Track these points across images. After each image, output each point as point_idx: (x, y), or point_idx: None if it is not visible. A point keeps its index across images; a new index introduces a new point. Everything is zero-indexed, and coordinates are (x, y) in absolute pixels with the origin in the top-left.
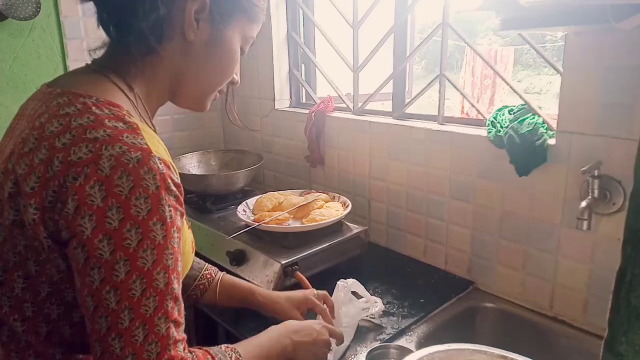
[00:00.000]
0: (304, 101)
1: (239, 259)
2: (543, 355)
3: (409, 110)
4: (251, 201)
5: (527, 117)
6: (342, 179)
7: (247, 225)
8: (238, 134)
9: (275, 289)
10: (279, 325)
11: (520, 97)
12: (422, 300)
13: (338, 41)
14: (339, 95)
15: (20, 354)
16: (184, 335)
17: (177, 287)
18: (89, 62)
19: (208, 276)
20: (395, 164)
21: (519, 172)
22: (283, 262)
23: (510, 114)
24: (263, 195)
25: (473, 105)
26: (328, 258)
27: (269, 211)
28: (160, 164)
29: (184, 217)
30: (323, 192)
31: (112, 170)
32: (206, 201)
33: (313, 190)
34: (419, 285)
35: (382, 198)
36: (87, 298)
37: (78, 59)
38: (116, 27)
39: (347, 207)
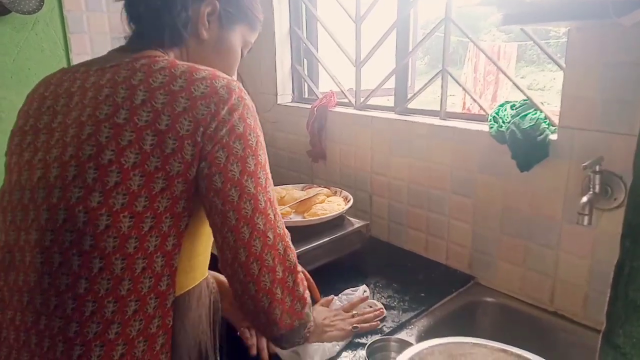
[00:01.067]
0: (306, 96)
1: None
2: (543, 350)
3: (412, 105)
4: None
5: (529, 113)
6: (344, 173)
7: None
8: None
9: None
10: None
11: (523, 92)
12: (422, 295)
13: (340, 36)
14: (341, 90)
15: (114, 292)
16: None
17: (278, 212)
18: (92, 56)
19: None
20: (397, 159)
21: (520, 168)
22: None
23: (512, 110)
24: None
25: (475, 100)
26: (329, 252)
27: None
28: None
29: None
30: (325, 187)
31: (237, 110)
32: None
33: (315, 185)
34: (420, 280)
35: (384, 193)
36: (243, 228)
37: (81, 52)
38: (151, 23)
39: (348, 201)
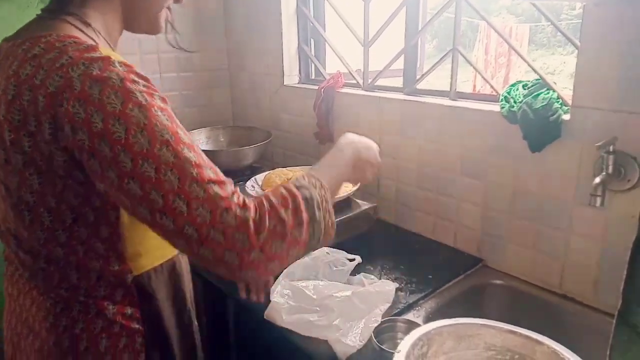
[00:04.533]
0: (313, 77)
1: None
2: (552, 333)
3: (420, 86)
4: (260, 177)
5: (542, 92)
6: None
7: None
8: (247, 111)
9: None
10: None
11: (535, 71)
12: (430, 277)
13: (348, 15)
14: (349, 71)
15: (63, 272)
16: (236, 189)
17: (194, 154)
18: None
19: None
20: (406, 140)
21: (532, 148)
22: None
23: (524, 89)
24: (272, 171)
25: (486, 81)
26: (336, 234)
27: None
28: (120, 65)
29: (167, 102)
30: None
31: (82, 84)
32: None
33: None
34: (428, 262)
35: (392, 175)
36: (122, 198)
37: None
38: None
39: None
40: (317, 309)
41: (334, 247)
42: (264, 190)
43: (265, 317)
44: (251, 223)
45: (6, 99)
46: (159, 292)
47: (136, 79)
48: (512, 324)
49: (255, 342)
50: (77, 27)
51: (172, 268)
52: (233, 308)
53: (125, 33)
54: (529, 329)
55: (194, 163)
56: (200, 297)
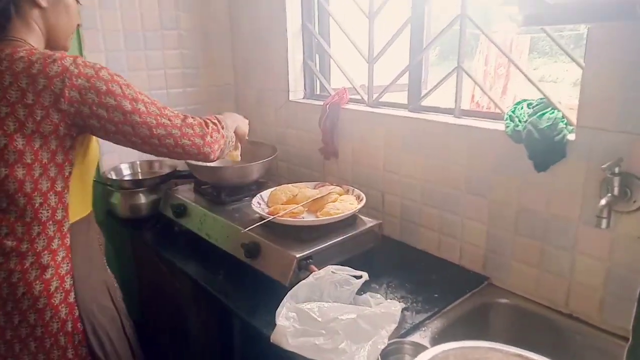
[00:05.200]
0: (318, 92)
1: (253, 251)
2: (557, 353)
3: (425, 102)
4: (265, 193)
5: (547, 112)
6: (356, 171)
7: (261, 218)
8: (251, 126)
9: (290, 282)
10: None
11: (540, 91)
12: (436, 295)
13: (353, 31)
14: (354, 87)
15: (12, 226)
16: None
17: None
18: (105, 54)
19: None
20: (410, 157)
21: (537, 168)
22: (298, 255)
23: (529, 108)
24: (277, 188)
25: (491, 100)
26: (342, 251)
27: (283, 204)
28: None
29: None
30: (337, 185)
31: (77, 68)
32: (220, 193)
33: (327, 183)
34: (433, 280)
35: (396, 191)
36: (125, 129)
37: (94, 49)
38: None
39: (361, 200)
40: (323, 331)
41: (339, 265)
42: (269, 206)
43: (271, 341)
44: (203, 123)
45: (2, 86)
46: (83, 237)
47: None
48: (517, 343)
49: None
50: (29, 45)
51: (89, 220)
52: (240, 329)
53: (132, 52)
54: (534, 348)
55: (155, 100)
56: (206, 318)
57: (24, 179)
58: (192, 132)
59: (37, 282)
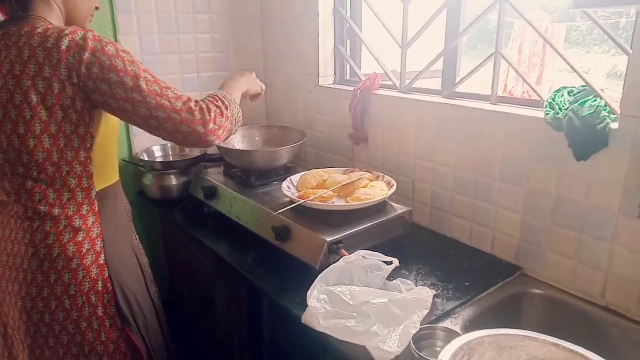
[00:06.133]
0: (348, 78)
1: (283, 234)
2: (592, 345)
3: (458, 88)
4: (295, 177)
5: (589, 99)
6: (386, 157)
7: (291, 202)
8: (280, 110)
9: (320, 265)
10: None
11: (582, 78)
12: (467, 284)
13: (385, 16)
14: (385, 73)
15: (44, 192)
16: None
17: (161, 79)
18: (139, 36)
19: None
20: (443, 143)
21: (577, 157)
22: (328, 239)
23: (569, 96)
24: (307, 172)
25: (530, 86)
26: (371, 237)
27: (312, 188)
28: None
29: None
30: (367, 171)
31: (85, 42)
32: (250, 176)
33: (356, 169)
34: (464, 268)
35: (427, 178)
36: (126, 106)
37: (128, 32)
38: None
39: (391, 186)
40: (354, 314)
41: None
42: (299, 191)
43: (302, 322)
44: (204, 106)
45: (22, 60)
46: (110, 203)
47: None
48: (550, 334)
49: (290, 344)
50: (48, 23)
51: (115, 188)
52: (268, 309)
53: (165, 35)
54: (568, 339)
55: (159, 79)
56: (235, 298)
57: (50, 149)
58: (192, 117)
59: (70, 243)
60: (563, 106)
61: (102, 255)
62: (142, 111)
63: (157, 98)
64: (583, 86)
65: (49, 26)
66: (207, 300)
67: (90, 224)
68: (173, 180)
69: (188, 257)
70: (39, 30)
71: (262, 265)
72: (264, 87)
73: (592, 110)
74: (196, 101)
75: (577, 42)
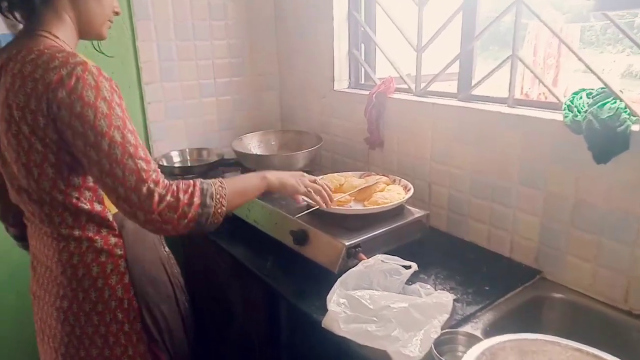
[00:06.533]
0: (362, 82)
1: (301, 238)
2: (615, 350)
3: (474, 91)
4: None
5: (608, 102)
6: (401, 161)
7: (309, 206)
8: (295, 114)
9: (339, 269)
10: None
11: (601, 80)
12: (486, 288)
13: (399, 18)
14: (401, 76)
15: (62, 216)
16: (156, 168)
17: (133, 137)
18: (157, 43)
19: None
20: (460, 147)
21: (597, 160)
22: (347, 243)
23: (588, 98)
24: (324, 177)
25: (548, 88)
26: (389, 241)
27: None
28: (94, 68)
29: (122, 98)
30: (383, 175)
31: (69, 80)
32: (266, 193)
33: (372, 173)
34: (483, 272)
35: (444, 182)
36: (83, 160)
37: (146, 39)
38: (9, 9)
39: (408, 190)
40: (375, 319)
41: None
42: None
43: (322, 326)
44: (156, 195)
45: (14, 89)
46: (130, 222)
47: (103, 80)
48: (572, 339)
49: (309, 348)
50: (52, 40)
51: None
52: (286, 313)
53: (182, 42)
54: (590, 344)
55: (132, 144)
56: (253, 301)
57: (55, 177)
58: (136, 199)
59: (94, 264)
60: (582, 109)
61: (127, 276)
62: (94, 170)
63: (112, 164)
64: (602, 88)
65: (45, 51)
66: (224, 302)
67: (112, 244)
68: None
69: (205, 259)
70: (32, 56)
71: (281, 269)
72: (319, 195)
73: (611, 113)
74: (156, 182)
75: (591, 42)
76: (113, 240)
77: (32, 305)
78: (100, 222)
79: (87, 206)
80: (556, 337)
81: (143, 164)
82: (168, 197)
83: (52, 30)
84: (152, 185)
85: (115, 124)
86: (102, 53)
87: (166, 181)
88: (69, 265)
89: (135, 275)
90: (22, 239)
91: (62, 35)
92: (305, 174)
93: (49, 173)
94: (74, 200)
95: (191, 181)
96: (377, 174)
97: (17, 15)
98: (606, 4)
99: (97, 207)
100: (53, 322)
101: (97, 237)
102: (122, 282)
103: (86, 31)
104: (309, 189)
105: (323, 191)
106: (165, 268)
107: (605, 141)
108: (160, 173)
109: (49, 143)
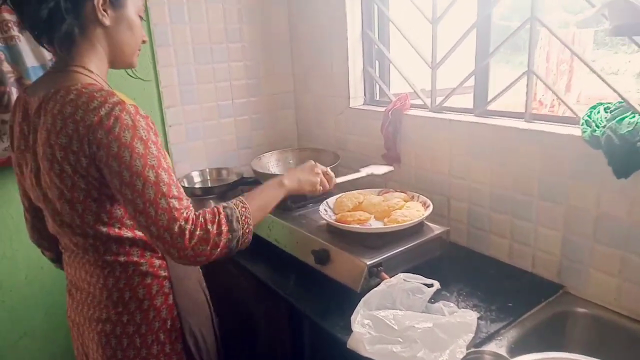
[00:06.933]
0: (377, 98)
1: (323, 258)
2: None
3: (490, 106)
4: (331, 200)
5: (627, 116)
6: (419, 177)
7: (329, 225)
8: (311, 132)
9: (361, 288)
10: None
11: (619, 94)
12: (510, 304)
13: (413, 36)
14: (416, 92)
15: (106, 245)
16: (188, 204)
17: (167, 175)
18: (177, 68)
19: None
20: (478, 162)
21: (617, 175)
22: (368, 262)
23: (606, 112)
24: (343, 195)
25: (566, 105)
26: (410, 258)
27: (349, 211)
28: (130, 107)
29: (157, 135)
30: (401, 191)
31: (108, 121)
32: (286, 199)
33: (391, 190)
34: (506, 288)
35: (463, 197)
36: (118, 197)
37: (167, 64)
38: (49, 43)
39: (427, 207)
40: (400, 339)
41: (407, 272)
42: (336, 214)
43: (348, 347)
44: (187, 233)
45: (56, 130)
46: None
47: (140, 119)
48: (598, 355)
49: None
50: (87, 75)
51: None
52: (309, 332)
53: (200, 65)
54: None
55: (166, 182)
56: (276, 319)
57: (98, 212)
58: (169, 238)
59: (140, 286)
60: (600, 123)
61: (171, 296)
62: (129, 208)
63: (146, 203)
64: (620, 102)
65: (83, 91)
66: (247, 321)
67: (157, 266)
68: (212, 205)
69: (227, 278)
70: (71, 97)
71: (303, 287)
72: (326, 182)
73: (631, 128)
74: (186, 219)
75: (605, 43)
76: (157, 262)
77: (70, 332)
78: (144, 246)
79: (129, 234)
80: (582, 356)
81: (175, 203)
82: (198, 232)
83: (85, 63)
84: (183, 223)
85: (150, 164)
86: (140, 78)
87: (193, 215)
88: (115, 289)
89: (179, 295)
90: (57, 260)
91: (95, 67)
92: (316, 163)
93: (92, 207)
94: (117, 230)
95: (215, 209)
96: (396, 191)
97: (57, 47)
98: (623, 30)
99: (139, 233)
100: (94, 346)
101: (142, 261)
102: (167, 302)
103: (118, 61)
104: (323, 184)
105: (334, 179)
106: (203, 290)
107: (626, 156)
108: (191, 208)
109: (91, 180)
